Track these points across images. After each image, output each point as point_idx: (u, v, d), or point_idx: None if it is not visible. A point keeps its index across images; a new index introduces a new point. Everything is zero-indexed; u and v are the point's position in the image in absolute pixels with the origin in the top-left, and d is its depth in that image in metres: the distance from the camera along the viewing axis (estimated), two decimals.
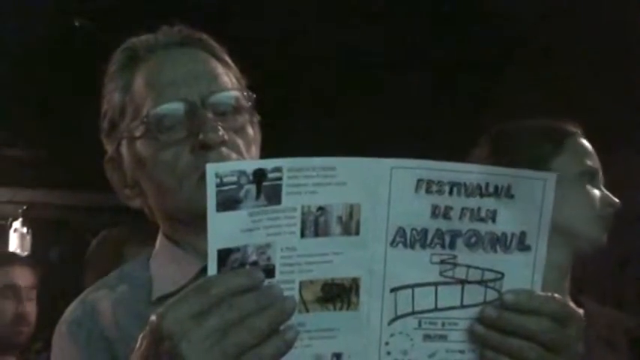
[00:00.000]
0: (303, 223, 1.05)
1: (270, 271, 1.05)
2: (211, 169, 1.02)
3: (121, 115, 1.40)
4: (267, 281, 1.03)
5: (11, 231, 5.99)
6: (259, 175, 1.03)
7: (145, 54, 1.42)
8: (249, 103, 1.41)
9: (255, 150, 1.41)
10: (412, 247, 1.09)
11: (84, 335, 1.34)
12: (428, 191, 1.08)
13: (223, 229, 1.03)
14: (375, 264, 1.08)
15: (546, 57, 4.34)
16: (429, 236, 1.09)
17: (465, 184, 1.09)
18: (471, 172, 1.09)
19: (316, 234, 1.06)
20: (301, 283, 1.06)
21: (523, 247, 1.12)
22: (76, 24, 4.15)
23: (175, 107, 1.34)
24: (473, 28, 4.19)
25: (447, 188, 1.09)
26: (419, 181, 1.08)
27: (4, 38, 4.21)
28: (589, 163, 1.87)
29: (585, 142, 1.90)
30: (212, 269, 1.03)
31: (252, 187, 1.03)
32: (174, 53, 1.42)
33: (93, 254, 2.64)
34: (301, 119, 4.83)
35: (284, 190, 1.04)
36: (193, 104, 1.34)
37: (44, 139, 5.24)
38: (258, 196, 1.03)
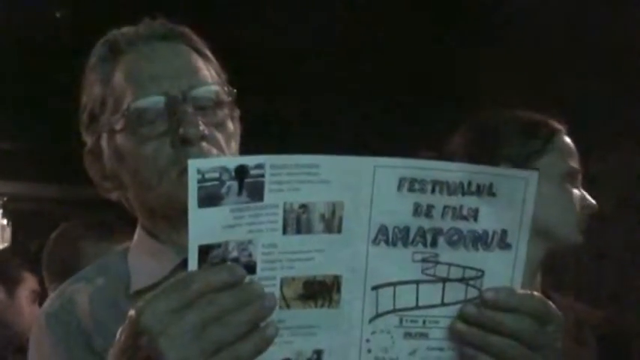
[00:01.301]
0: (285, 220, 1.04)
1: (251, 268, 1.04)
2: (193, 164, 1.01)
3: (101, 107, 1.39)
4: (248, 277, 1.03)
5: None
6: (241, 172, 1.02)
7: (126, 47, 1.40)
8: (230, 98, 1.41)
9: (234, 145, 1.41)
10: (394, 245, 1.09)
11: (62, 328, 1.34)
12: (410, 189, 1.08)
13: (204, 225, 1.02)
14: (356, 262, 1.08)
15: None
16: (411, 234, 1.09)
17: (447, 183, 1.09)
18: (452, 170, 1.09)
19: (298, 231, 1.05)
20: (282, 280, 1.06)
21: (504, 245, 1.12)
22: (57, 15, 4.13)
23: (156, 101, 1.33)
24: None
25: (429, 187, 1.08)
26: (401, 179, 1.07)
27: None
28: (573, 163, 1.87)
29: (570, 141, 1.90)
30: (192, 265, 1.02)
31: (234, 184, 1.02)
32: (156, 46, 1.41)
33: (49, 250, 2.59)
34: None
35: (266, 186, 1.03)
36: (174, 98, 1.33)
37: (24, 133, 5.23)
38: (240, 193, 1.02)
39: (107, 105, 1.38)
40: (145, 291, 1.31)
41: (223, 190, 1.02)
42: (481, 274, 1.11)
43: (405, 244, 1.09)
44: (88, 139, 1.43)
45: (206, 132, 1.33)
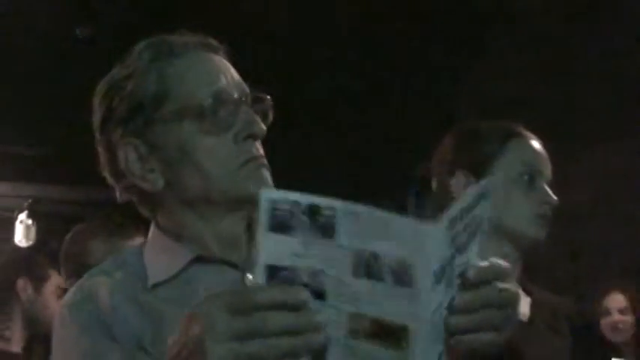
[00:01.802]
0: (356, 262, 1.03)
1: (320, 294, 1.02)
2: (265, 194, 1.01)
3: (154, 103, 1.36)
4: (317, 302, 1.01)
5: (17, 222, 5.97)
6: (313, 210, 1.01)
7: (180, 50, 1.39)
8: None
9: None
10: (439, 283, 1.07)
11: (84, 318, 1.32)
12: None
13: (273, 248, 1.01)
14: (425, 314, 1.06)
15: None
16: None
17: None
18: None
19: (368, 276, 1.03)
20: (350, 314, 1.04)
21: None
22: (77, 33, 4.14)
23: (218, 100, 1.35)
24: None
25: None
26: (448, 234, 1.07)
27: (10, 41, 4.20)
28: (530, 163, 1.88)
29: (529, 142, 1.91)
30: (259, 281, 1.01)
31: (306, 219, 1.01)
32: (207, 55, 1.41)
33: (64, 250, 2.61)
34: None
35: (338, 228, 1.02)
36: (235, 98, 1.36)
37: (49, 138, 5.23)
38: (310, 228, 1.01)
39: (164, 101, 1.36)
40: (161, 284, 1.35)
41: (294, 222, 1.01)
42: None
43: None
44: (111, 137, 1.40)
45: (264, 130, 1.37)
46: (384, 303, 1.04)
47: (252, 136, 1.36)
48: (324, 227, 1.02)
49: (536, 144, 1.91)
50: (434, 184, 1.96)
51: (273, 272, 1.01)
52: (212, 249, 1.39)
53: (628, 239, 4.24)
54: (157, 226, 1.44)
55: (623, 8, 3.93)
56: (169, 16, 3.84)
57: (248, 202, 1.35)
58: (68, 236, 2.63)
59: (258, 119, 1.37)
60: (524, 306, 1.89)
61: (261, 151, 1.38)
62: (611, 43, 3.98)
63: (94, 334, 1.30)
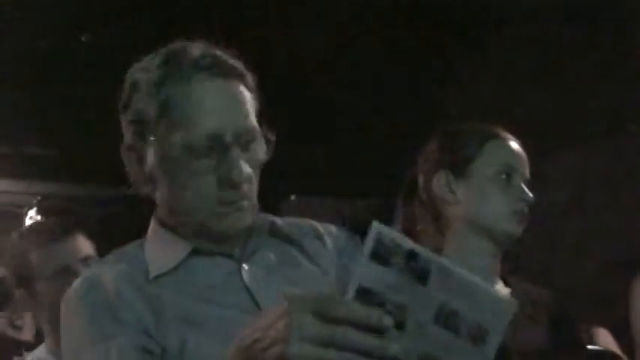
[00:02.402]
0: (438, 312, 1.03)
1: (401, 326, 1.02)
2: (377, 228, 1.01)
3: (156, 122, 1.35)
4: (396, 332, 1.01)
5: (26, 218, 5.98)
6: (412, 256, 1.02)
7: (189, 72, 1.34)
8: (271, 137, 1.39)
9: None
10: None
11: (91, 305, 1.32)
12: None
13: (369, 274, 1.01)
14: None
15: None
16: None
17: None
18: None
19: (446, 327, 1.04)
20: (422, 352, 1.04)
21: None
22: (83, 39, 4.13)
23: (208, 140, 1.31)
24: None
25: None
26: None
27: (23, 46, 4.20)
28: (507, 162, 1.88)
29: (506, 143, 1.92)
30: (349, 297, 1.01)
31: (402, 261, 1.01)
32: (216, 82, 1.34)
33: (6, 264, 2.49)
34: None
35: (431, 277, 1.02)
36: (225, 140, 1.31)
37: (57, 139, 5.23)
38: (405, 270, 1.01)
39: (162, 124, 1.34)
40: (163, 276, 1.35)
41: (392, 259, 1.01)
42: None
43: None
44: (128, 136, 1.40)
45: (246, 176, 1.33)
46: (454, 354, 1.05)
47: (233, 184, 1.33)
48: (418, 273, 1.02)
49: (513, 144, 1.92)
50: (420, 182, 1.97)
51: (364, 294, 1.01)
52: (207, 244, 1.39)
53: (604, 234, 4.25)
54: (157, 220, 1.45)
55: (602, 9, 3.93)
56: (174, 23, 3.83)
57: (222, 238, 1.37)
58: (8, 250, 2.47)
59: (242, 166, 1.32)
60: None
61: (245, 191, 1.34)
62: (592, 45, 3.98)
63: (102, 319, 1.29)
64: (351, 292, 1.00)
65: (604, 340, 2.33)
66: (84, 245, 2.31)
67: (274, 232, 1.47)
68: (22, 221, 5.94)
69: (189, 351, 1.26)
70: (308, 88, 4.63)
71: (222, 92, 1.34)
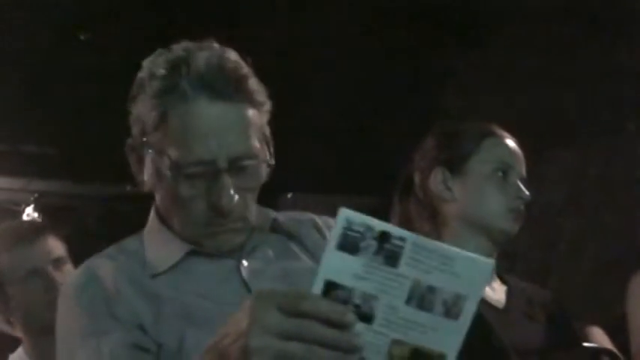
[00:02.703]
0: (411, 292, 1.04)
1: (368, 318, 1.03)
2: (344, 213, 1.01)
3: (153, 133, 1.34)
4: (362, 325, 1.02)
5: (24, 216, 5.98)
6: (384, 237, 1.02)
7: (188, 92, 1.30)
8: (269, 159, 1.37)
9: (255, 198, 1.40)
10: None
11: (87, 299, 1.32)
12: None
13: (336, 265, 1.02)
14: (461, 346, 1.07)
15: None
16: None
17: None
18: None
19: (419, 306, 1.04)
20: (393, 340, 1.04)
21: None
22: (82, 37, 4.13)
23: (202, 166, 1.30)
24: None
25: None
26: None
27: (19, 44, 4.20)
28: (503, 160, 1.89)
29: (503, 141, 1.92)
30: (316, 292, 1.02)
31: (374, 244, 1.02)
32: (216, 104, 1.30)
33: None
34: None
35: (403, 258, 1.03)
36: (218, 167, 1.30)
37: (54, 137, 5.23)
38: (376, 253, 1.02)
39: (158, 136, 1.33)
40: (161, 273, 1.36)
41: (362, 244, 1.01)
42: None
43: None
44: (133, 132, 1.39)
45: (237, 202, 1.31)
46: (429, 333, 1.05)
47: (222, 212, 1.32)
48: (389, 255, 1.02)
49: (510, 142, 1.92)
50: (416, 180, 1.97)
51: (330, 288, 1.02)
52: (203, 245, 1.39)
53: (601, 233, 4.26)
54: (157, 214, 1.44)
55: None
56: (174, 21, 3.83)
57: (216, 251, 1.37)
58: None
59: (232, 194, 1.30)
60: (501, 294, 1.90)
61: (237, 216, 1.34)
62: (590, 45, 3.98)
63: (96, 313, 1.30)
64: (317, 286, 1.01)
65: (599, 338, 2.34)
66: (55, 247, 2.28)
67: (275, 228, 1.47)
68: (20, 218, 5.94)
69: (188, 348, 1.26)
70: (307, 86, 4.63)
71: (221, 115, 1.30)
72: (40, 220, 5.82)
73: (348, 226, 1.01)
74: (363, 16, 4.16)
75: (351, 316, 1.00)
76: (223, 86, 1.31)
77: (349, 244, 1.01)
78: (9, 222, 2.49)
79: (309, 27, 4.19)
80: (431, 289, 1.04)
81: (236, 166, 1.31)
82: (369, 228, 1.01)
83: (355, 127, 4.94)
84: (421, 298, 1.04)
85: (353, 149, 5.14)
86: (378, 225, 1.02)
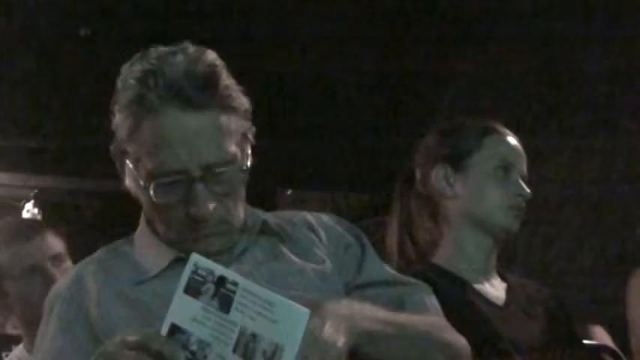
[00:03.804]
0: (238, 340, 1.06)
1: None
2: (193, 258, 1.08)
3: (128, 141, 1.33)
4: None
5: (24, 211, 5.97)
6: (220, 281, 1.07)
7: (157, 104, 1.28)
8: (247, 163, 1.36)
9: (240, 201, 1.39)
10: None
11: (68, 312, 1.33)
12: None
13: (181, 309, 1.08)
14: None
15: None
16: None
17: None
18: None
19: (244, 356, 1.06)
20: None
21: None
22: (81, 33, 4.13)
23: (174, 178, 1.29)
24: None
25: None
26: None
27: (19, 39, 4.20)
28: (505, 157, 1.89)
29: (505, 138, 1.92)
30: (162, 333, 1.08)
31: (212, 288, 1.06)
32: (186, 113, 1.29)
33: None
34: None
35: (234, 303, 1.07)
36: (192, 176, 1.29)
37: (54, 133, 5.23)
38: (212, 297, 1.07)
39: (133, 146, 1.33)
40: (146, 281, 1.35)
41: (203, 288, 1.07)
42: None
43: None
44: (115, 140, 1.38)
45: (214, 208, 1.31)
46: None
47: (198, 220, 1.31)
48: (223, 300, 1.07)
49: (511, 140, 1.92)
50: (417, 176, 1.97)
51: (174, 331, 1.07)
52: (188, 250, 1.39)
53: (598, 231, 4.26)
54: (145, 218, 1.44)
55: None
56: (173, 17, 3.83)
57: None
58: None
59: (203, 203, 1.29)
60: (501, 291, 1.90)
61: (216, 220, 1.33)
62: (589, 43, 3.98)
63: (74, 330, 1.31)
64: (164, 329, 1.07)
65: (601, 337, 2.34)
66: (54, 243, 2.28)
67: (265, 230, 1.45)
68: (20, 214, 5.93)
69: None
70: (307, 84, 4.63)
71: (191, 125, 1.28)
72: (39, 216, 5.82)
73: (195, 270, 1.06)
74: (365, 15, 4.16)
75: (179, 357, 1.06)
76: (193, 94, 1.29)
77: (193, 288, 1.07)
78: (8, 218, 2.49)
79: (310, 26, 4.18)
80: (254, 337, 1.06)
81: (210, 173, 1.30)
82: (211, 272, 1.06)
83: (354, 125, 4.94)
84: (245, 346, 1.06)
85: (352, 146, 5.14)
86: (218, 269, 1.07)
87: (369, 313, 1.27)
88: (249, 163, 1.36)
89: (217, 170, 1.30)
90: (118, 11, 4.00)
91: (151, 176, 1.30)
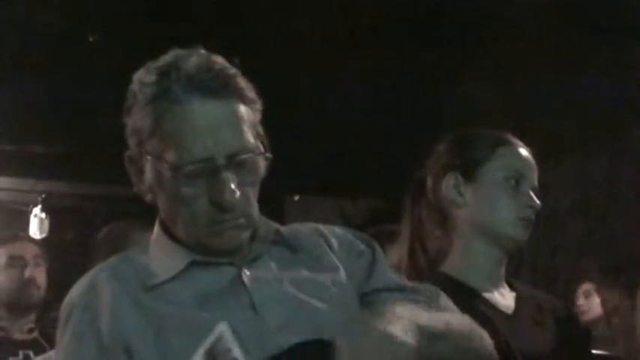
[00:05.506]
0: None
1: None
2: (221, 329, 1.22)
3: (149, 138, 1.33)
4: None
5: (32, 216, 5.98)
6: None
7: (180, 95, 1.31)
8: (265, 153, 1.36)
9: (256, 197, 1.39)
10: None
11: (81, 323, 1.32)
12: None
13: None
14: None
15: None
16: None
17: None
18: None
19: None
20: None
21: None
22: (90, 39, 4.13)
23: (200, 165, 1.30)
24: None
25: None
26: None
27: (25, 44, 4.20)
28: (516, 168, 1.87)
29: (517, 150, 1.91)
30: None
31: None
32: (208, 103, 1.31)
33: (98, 243, 2.55)
34: None
35: None
36: (217, 164, 1.30)
37: (61, 138, 5.23)
38: None
39: (155, 142, 1.33)
40: (163, 284, 1.34)
41: None
42: None
43: None
44: (130, 144, 1.38)
45: (239, 197, 1.31)
46: None
47: (224, 208, 1.31)
48: None
49: (523, 151, 1.91)
50: (428, 184, 1.96)
51: None
52: (206, 255, 1.38)
53: (604, 240, 4.23)
54: (160, 223, 1.43)
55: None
56: (183, 24, 3.82)
57: (220, 253, 1.36)
58: (101, 235, 2.54)
59: (233, 189, 1.30)
60: (510, 300, 1.88)
61: (240, 211, 1.33)
62: (595, 50, 3.97)
63: (85, 341, 1.29)
64: None
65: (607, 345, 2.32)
66: (35, 249, 2.64)
67: (278, 240, 1.45)
68: (28, 219, 5.95)
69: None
70: (314, 89, 4.62)
71: (214, 113, 1.31)
72: (47, 221, 5.85)
73: (219, 338, 1.20)
74: (366, 16, 4.15)
75: None
76: (214, 84, 1.31)
77: (213, 356, 1.19)
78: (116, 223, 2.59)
79: (311, 27, 4.18)
80: None
81: (234, 162, 1.31)
82: (228, 350, 1.18)
83: (361, 131, 4.93)
84: None
85: (359, 152, 5.14)
86: (236, 352, 1.17)
87: (425, 313, 1.28)
88: (268, 154, 1.37)
89: (241, 158, 1.31)
90: (127, 17, 4.00)
91: (176, 167, 1.30)
